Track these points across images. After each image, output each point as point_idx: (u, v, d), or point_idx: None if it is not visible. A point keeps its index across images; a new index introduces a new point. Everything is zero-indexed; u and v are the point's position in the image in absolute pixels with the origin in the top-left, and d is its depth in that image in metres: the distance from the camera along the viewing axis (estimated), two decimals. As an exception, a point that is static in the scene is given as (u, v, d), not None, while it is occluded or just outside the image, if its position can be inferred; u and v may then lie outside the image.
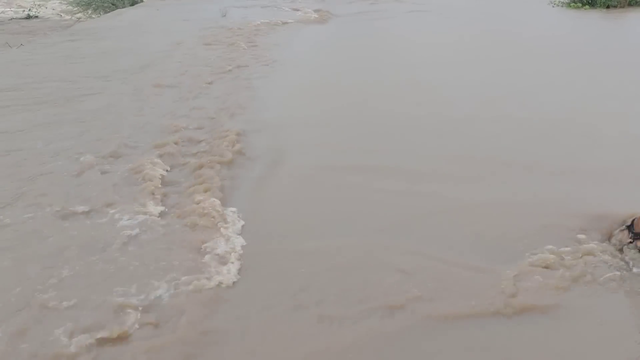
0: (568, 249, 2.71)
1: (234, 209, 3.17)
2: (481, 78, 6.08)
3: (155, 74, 6.16)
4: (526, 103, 5.15)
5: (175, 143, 4.06)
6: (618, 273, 2.55)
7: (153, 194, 3.30)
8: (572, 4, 11.01)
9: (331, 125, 4.62)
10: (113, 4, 14.98)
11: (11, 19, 17.19)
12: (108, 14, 12.67)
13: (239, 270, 2.61)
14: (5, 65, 6.79)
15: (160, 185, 3.43)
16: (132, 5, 15.07)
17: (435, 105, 5.12)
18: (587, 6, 10.82)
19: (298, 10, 11.73)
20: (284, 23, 9.93)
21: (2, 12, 18.69)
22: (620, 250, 2.75)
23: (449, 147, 4.10)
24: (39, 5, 18.51)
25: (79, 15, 15.09)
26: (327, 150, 4.10)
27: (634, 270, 2.60)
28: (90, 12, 15.20)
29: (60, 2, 15.91)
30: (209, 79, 5.93)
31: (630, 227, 2.79)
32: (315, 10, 11.41)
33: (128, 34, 8.97)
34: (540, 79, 6.05)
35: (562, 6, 11.18)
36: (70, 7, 15.31)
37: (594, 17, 10.14)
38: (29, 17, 17.53)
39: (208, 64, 6.68)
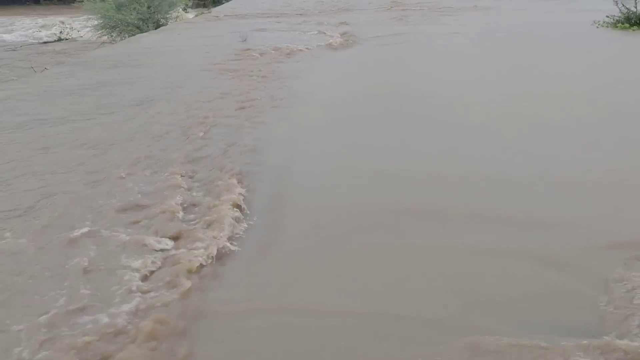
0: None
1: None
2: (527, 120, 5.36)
3: (150, 115, 5.64)
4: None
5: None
6: None
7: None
8: (618, 25, 10.16)
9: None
10: (137, 28, 14.81)
11: (44, 42, 17.29)
12: (125, 40, 12.38)
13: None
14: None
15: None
16: (156, 28, 14.85)
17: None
18: (635, 27, 9.96)
19: (323, 33, 11.19)
20: (307, 49, 9.35)
21: (33, 34, 18.85)
22: None
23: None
24: (71, 28, 18.61)
25: (103, 38, 14.97)
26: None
27: None
28: (114, 35, 15.06)
29: (85, 25, 15.83)
30: (210, 122, 5.31)
31: None
32: (341, 34, 10.83)
33: (140, 62, 8.55)
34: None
35: (607, 27, 10.34)
36: (95, 30, 15.19)
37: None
38: (59, 39, 17.60)
39: (216, 101, 6.12)
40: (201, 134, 4.89)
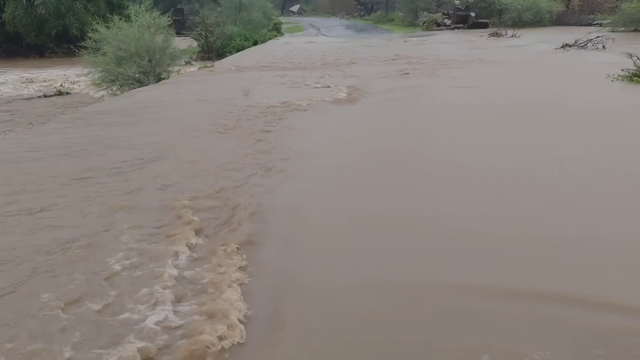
0: None
1: None
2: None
3: (134, 182, 5.08)
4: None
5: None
6: None
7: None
8: (634, 79, 9.75)
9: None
10: (138, 81, 14.54)
11: (44, 95, 17.02)
12: (123, 95, 12.02)
13: None
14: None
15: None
16: (157, 81, 14.58)
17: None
18: (654, 80, 9.56)
19: (327, 87, 10.82)
20: (311, 104, 8.92)
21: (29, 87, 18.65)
22: None
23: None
24: (72, 82, 18.41)
25: (102, 92, 14.67)
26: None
27: None
28: (115, 88, 14.77)
29: (85, 79, 15.57)
30: (195, 202, 4.74)
31: None
32: (346, 88, 10.44)
33: (133, 119, 8.09)
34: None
35: (622, 80, 9.94)
36: (95, 83, 14.92)
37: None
38: (60, 93, 17.36)
39: (208, 168, 5.57)
40: (190, 212, 4.31)
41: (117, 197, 4.64)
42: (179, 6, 55.02)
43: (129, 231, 3.88)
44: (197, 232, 3.86)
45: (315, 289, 3.19)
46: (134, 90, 12.57)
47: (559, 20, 31.28)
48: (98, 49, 14.96)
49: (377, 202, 4.53)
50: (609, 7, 28.22)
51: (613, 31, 22.66)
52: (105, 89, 14.77)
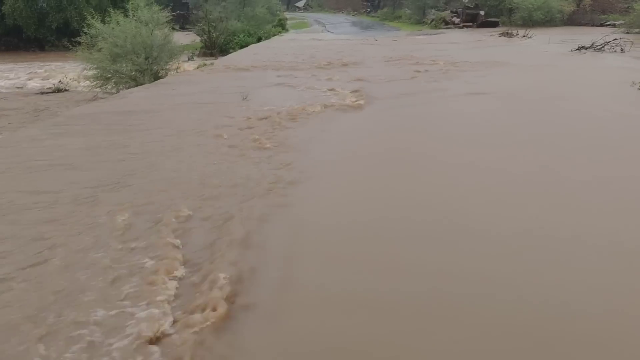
0: None
1: None
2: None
3: (114, 203, 4.45)
4: None
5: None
6: None
7: None
8: (663, 87, 9.08)
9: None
10: (134, 79, 13.90)
11: (41, 92, 16.42)
12: (114, 96, 11.37)
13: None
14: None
15: None
16: (155, 80, 13.95)
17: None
18: (683, 90, 8.87)
19: (332, 90, 10.16)
20: (315, 110, 8.27)
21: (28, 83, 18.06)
22: None
23: None
24: (72, 78, 17.78)
25: (97, 90, 14.04)
26: None
27: None
28: (110, 87, 14.14)
29: (79, 76, 14.94)
30: (181, 225, 4.14)
31: None
32: (352, 92, 9.78)
33: (120, 126, 7.42)
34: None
35: (649, 89, 9.25)
36: (89, 81, 14.28)
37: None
38: (58, 90, 16.76)
39: (195, 188, 4.94)
40: (177, 240, 3.68)
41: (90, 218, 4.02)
42: (183, 0, 54.57)
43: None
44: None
45: None
46: (126, 91, 11.91)
47: (570, 20, 30.52)
48: (94, 45, 14.33)
49: (388, 236, 3.90)
50: (622, 8, 27.44)
51: (628, 32, 21.93)
52: (100, 86, 14.14)
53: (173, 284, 3.21)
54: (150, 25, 15.01)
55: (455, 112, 8.28)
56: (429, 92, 9.82)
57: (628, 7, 24.96)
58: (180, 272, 3.36)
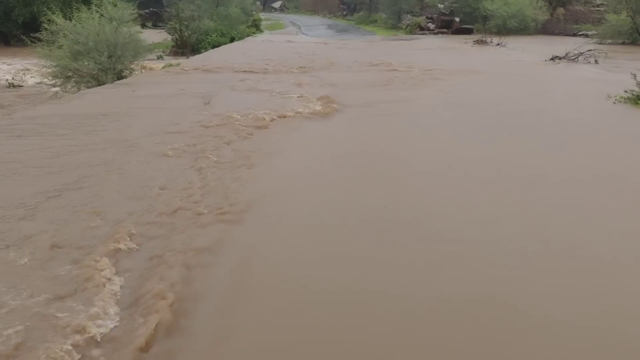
0: None
1: None
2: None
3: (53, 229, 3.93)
4: None
5: None
6: None
7: None
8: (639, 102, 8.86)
9: None
10: (95, 79, 13.22)
11: (-6, 88, 15.55)
12: (69, 96, 10.71)
13: None
14: None
15: None
16: (118, 79, 13.30)
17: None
18: (660, 104, 8.67)
19: (300, 96, 9.71)
20: (280, 117, 7.82)
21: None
22: None
23: None
24: (32, 75, 16.89)
25: (55, 89, 13.32)
26: None
27: None
28: (69, 86, 13.42)
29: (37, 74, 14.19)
30: (126, 244, 3.67)
31: None
32: (320, 99, 9.35)
33: (69, 131, 6.83)
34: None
35: (625, 103, 9.03)
36: (48, 79, 13.55)
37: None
38: (12, 85, 15.92)
39: (144, 202, 4.44)
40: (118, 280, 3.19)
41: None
42: (157, -2, 53.50)
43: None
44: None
45: None
46: (83, 91, 11.29)
47: (544, 29, 30.66)
48: (54, 42, 13.61)
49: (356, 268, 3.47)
50: (595, 18, 27.66)
51: (600, 43, 22.01)
52: (59, 85, 13.42)
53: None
54: (114, 22, 14.35)
55: (429, 124, 7.91)
56: (402, 101, 9.46)
57: (601, 18, 25.12)
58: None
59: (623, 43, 22.34)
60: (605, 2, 27.15)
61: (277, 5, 68.30)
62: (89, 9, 14.46)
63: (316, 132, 7.31)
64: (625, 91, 9.13)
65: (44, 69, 13.61)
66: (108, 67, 13.45)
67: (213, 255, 3.65)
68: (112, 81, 12.92)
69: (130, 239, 3.79)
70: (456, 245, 3.86)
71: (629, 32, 22.60)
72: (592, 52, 15.72)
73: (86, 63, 13.25)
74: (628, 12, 22.54)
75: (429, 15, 34.37)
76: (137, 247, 3.73)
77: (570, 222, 4.30)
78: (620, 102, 9.06)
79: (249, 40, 27.46)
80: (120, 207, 4.37)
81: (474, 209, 4.52)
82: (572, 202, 4.70)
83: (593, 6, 32.94)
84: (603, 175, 5.50)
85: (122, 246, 3.68)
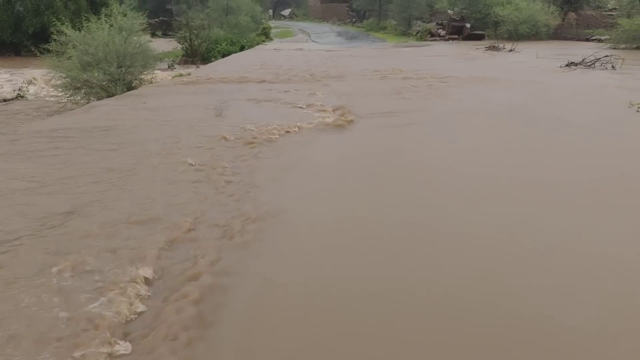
0: None
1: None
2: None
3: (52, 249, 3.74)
4: None
5: None
6: None
7: None
8: (663, 110, 8.58)
9: None
10: (105, 90, 13.11)
11: (3, 100, 15.51)
12: (76, 110, 10.54)
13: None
14: None
15: None
16: (128, 90, 13.18)
17: None
18: (685, 113, 8.38)
19: (314, 107, 9.50)
20: (294, 130, 7.61)
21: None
22: None
23: None
24: (42, 86, 16.84)
25: (65, 100, 13.21)
26: None
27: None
28: (79, 97, 13.32)
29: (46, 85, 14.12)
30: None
31: None
32: (334, 109, 9.14)
33: (73, 147, 6.64)
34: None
35: (648, 110, 8.76)
36: (58, 91, 13.45)
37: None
38: (19, 97, 15.89)
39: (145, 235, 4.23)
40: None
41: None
42: (167, 6, 53.66)
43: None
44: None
45: None
46: (91, 104, 11.16)
47: (556, 35, 30.34)
48: (63, 52, 13.53)
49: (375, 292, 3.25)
50: (607, 23, 27.30)
51: (614, 48, 21.68)
52: (69, 97, 13.32)
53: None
54: (124, 32, 14.26)
55: (446, 134, 7.68)
56: (418, 110, 9.24)
57: (613, 22, 24.77)
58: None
59: (637, 48, 21.96)
60: (617, 7, 26.78)
61: (286, 13, 68.43)
62: (98, 19, 14.42)
63: (333, 144, 7.10)
64: (649, 99, 8.86)
65: (53, 81, 13.54)
66: (118, 77, 13.34)
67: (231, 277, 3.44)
68: (122, 92, 12.80)
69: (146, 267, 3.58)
70: (481, 263, 3.63)
71: (644, 36, 22.24)
72: (609, 57, 15.41)
73: (95, 74, 13.16)
74: (642, 16, 22.21)
75: (439, 22, 34.14)
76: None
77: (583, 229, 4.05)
78: (644, 109, 8.79)
79: (258, 48, 27.37)
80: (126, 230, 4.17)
81: (493, 218, 4.33)
82: (588, 210, 4.45)
83: (605, 11, 32.58)
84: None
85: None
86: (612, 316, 3.09)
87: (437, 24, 33.93)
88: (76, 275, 3.42)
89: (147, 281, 3.37)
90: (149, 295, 3.23)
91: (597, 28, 30.36)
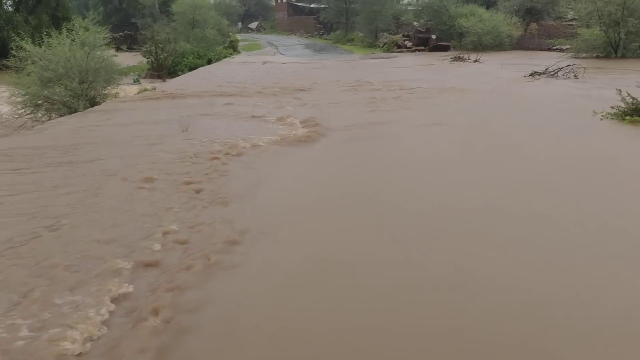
0: None
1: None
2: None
3: None
4: None
5: None
6: None
7: None
8: (627, 118, 8.71)
9: None
10: (67, 106, 12.73)
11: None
12: (35, 128, 10.17)
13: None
14: None
15: None
16: (91, 106, 12.83)
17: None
18: (648, 120, 8.53)
19: (282, 120, 9.38)
20: (262, 144, 7.48)
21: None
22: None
23: None
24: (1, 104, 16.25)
25: (26, 117, 12.77)
26: None
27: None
28: (40, 114, 12.90)
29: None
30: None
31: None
32: (303, 122, 9.04)
33: (28, 167, 6.38)
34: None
35: (612, 119, 8.89)
36: (16, 108, 13.00)
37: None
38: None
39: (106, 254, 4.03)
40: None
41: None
42: (133, 20, 52.97)
43: None
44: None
45: None
46: (53, 120, 10.80)
47: (519, 45, 30.98)
48: (23, 68, 13.12)
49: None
50: (569, 33, 28.00)
51: (575, 57, 22.22)
52: (29, 114, 12.89)
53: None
54: (86, 47, 13.92)
55: (414, 147, 7.64)
56: (386, 123, 9.19)
57: (573, 32, 25.41)
58: None
59: (597, 57, 22.56)
60: (577, 17, 27.51)
61: (253, 25, 68.34)
62: (60, 34, 14.05)
63: (301, 159, 6.97)
64: (612, 107, 9.00)
65: (12, 98, 13.09)
66: (80, 93, 12.99)
67: (195, 314, 3.26)
68: (85, 108, 12.46)
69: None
70: (455, 278, 3.54)
71: (603, 45, 22.85)
72: (571, 67, 15.74)
73: (57, 90, 12.79)
74: (601, 27, 22.84)
75: (406, 33, 34.53)
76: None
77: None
78: (607, 118, 8.92)
79: (226, 61, 27.17)
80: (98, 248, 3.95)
81: (462, 231, 4.27)
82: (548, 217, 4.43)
83: (565, 21, 33.49)
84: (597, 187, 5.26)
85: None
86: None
87: (403, 35, 34.31)
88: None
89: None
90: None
91: (558, 38, 31.16)
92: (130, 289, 3.48)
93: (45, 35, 13.76)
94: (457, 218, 4.76)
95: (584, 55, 22.94)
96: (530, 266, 3.81)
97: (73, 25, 14.72)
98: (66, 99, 12.82)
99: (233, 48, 35.02)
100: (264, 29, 66.39)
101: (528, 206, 5.00)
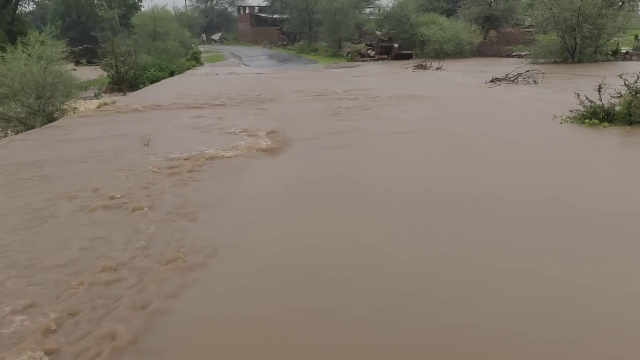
0: None
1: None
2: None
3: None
4: None
5: None
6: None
7: None
8: (586, 121, 8.90)
9: None
10: (23, 123, 12.31)
11: None
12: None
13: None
14: None
15: None
16: (49, 122, 12.45)
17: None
18: (605, 122, 8.72)
19: (247, 132, 9.25)
20: (226, 156, 7.34)
21: None
22: None
23: None
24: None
25: (-22, 136, 12.29)
26: None
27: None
28: (-5, 131, 12.43)
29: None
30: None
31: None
32: (269, 133, 8.93)
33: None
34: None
35: (571, 122, 9.08)
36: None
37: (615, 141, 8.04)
38: None
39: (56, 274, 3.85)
40: None
41: None
42: (92, 34, 51.98)
43: None
44: None
45: None
46: (8, 138, 10.42)
47: (479, 52, 31.60)
48: (-24, 85, 12.66)
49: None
50: (527, 39, 28.72)
51: (534, 63, 22.74)
52: (-19, 132, 12.42)
53: None
54: (43, 61, 13.53)
55: (379, 155, 7.62)
56: (351, 131, 9.17)
57: (531, 39, 26.06)
58: None
59: (555, 62, 23.16)
60: (534, 24, 28.23)
61: (216, 37, 67.99)
62: (15, 48, 13.65)
63: (268, 170, 6.87)
64: (571, 111, 9.20)
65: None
66: (37, 109, 12.59)
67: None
68: (43, 124, 12.08)
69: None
70: (417, 278, 3.50)
71: (560, 51, 23.49)
72: (530, 72, 16.08)
73: (13, 106, 12.38)
74: (557, 33, 23.48)
75: (369, 42, 34.84)
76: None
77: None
78: (567, 121, 9.10)
79: (189, 73, 26.88)
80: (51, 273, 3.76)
81: (427, 232, 4.24)
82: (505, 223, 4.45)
83: (523, 28, 34.37)
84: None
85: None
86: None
87: (366, 44, 34.61)
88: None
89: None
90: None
91: (517, 44, 31.94)
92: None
93: (0, 50, 13.35)
94: (426, 222, 4.74)
95: (542, 60, 23.52)
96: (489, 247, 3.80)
97: (29, 39, 14.35)
98: (22, 116, 12.41)
99: (196, 60, 34.67)
100: (227, 40, 66.13)
101: (496, 210, 5.02)
